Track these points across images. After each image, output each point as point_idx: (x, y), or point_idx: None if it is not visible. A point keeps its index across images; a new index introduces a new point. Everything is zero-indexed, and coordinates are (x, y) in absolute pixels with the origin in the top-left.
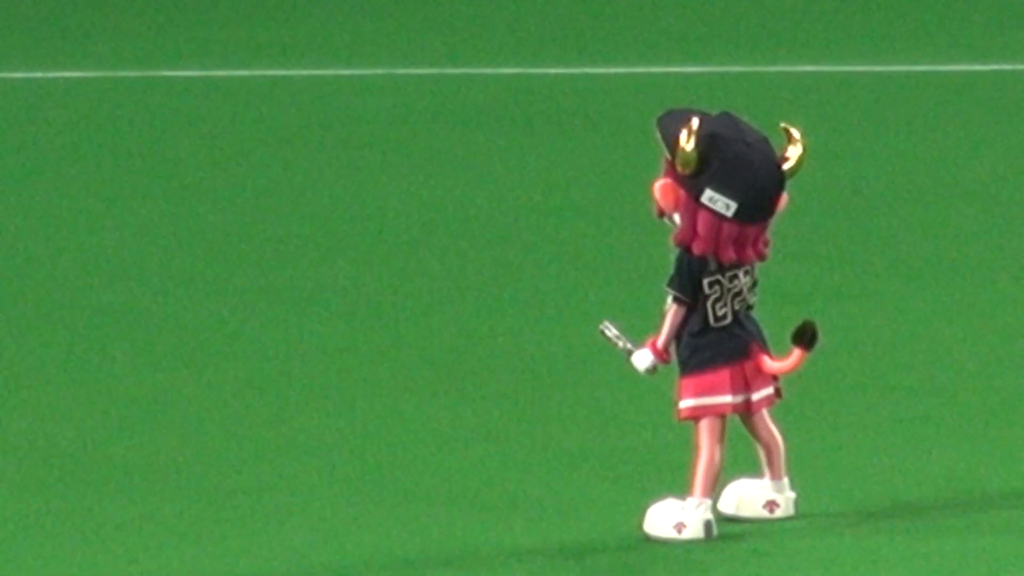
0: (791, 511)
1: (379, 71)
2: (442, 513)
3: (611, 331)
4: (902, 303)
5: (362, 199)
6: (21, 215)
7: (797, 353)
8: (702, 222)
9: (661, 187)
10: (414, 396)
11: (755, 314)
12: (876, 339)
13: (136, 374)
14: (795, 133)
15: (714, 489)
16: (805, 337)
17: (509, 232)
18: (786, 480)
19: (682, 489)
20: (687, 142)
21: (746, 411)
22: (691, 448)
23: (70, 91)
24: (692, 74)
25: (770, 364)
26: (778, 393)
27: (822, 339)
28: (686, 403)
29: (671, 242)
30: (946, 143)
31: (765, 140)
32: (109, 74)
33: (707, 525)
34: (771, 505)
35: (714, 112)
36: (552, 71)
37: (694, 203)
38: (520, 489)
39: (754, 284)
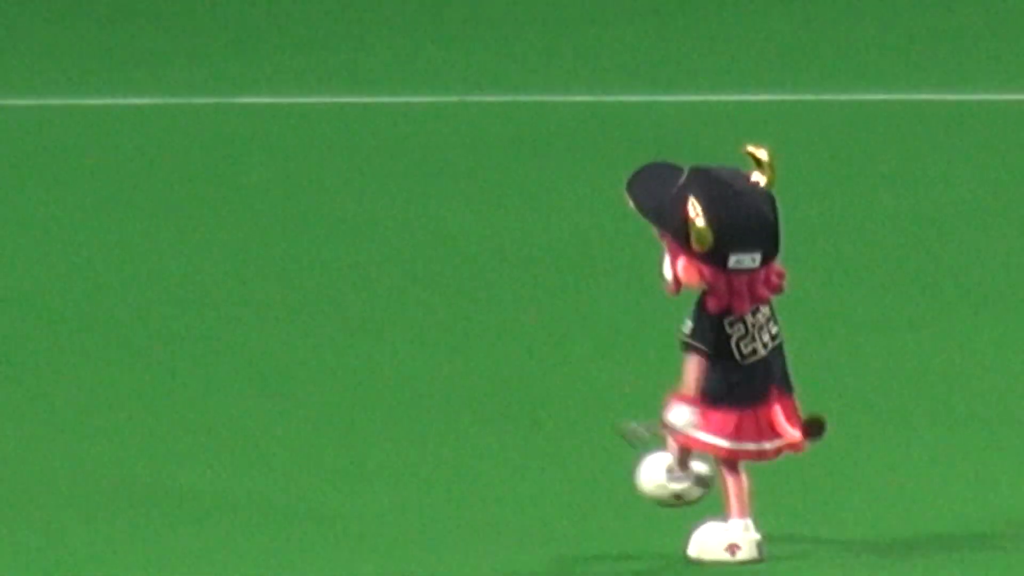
0: (754, 554)
1: (452, 98)
2: (513, 542)
3: (632, 425)
4: (975, 332)
5: (435, 226)
6: (94, 241)
7: (799, 437)
8: (723, 281)
9: (685, 268)
10: (486, 424)
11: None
12: (949, 368)
13: (207, 401)
14: (763, 156)
15: (750, 506)
16: (812, 428)
17: (581, 260)
18: (748, 520)
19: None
20: (697, 218)
21: (756, 460)
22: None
23: (143, 117)
24: (765, 102)
25: (780, 422)
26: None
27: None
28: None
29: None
30: (1021, 172)
31: (737, 173)
32: (182, 100)
33: (759, 545)
34: (733, 548)
35: (683, 166)
36: (625, 99)
37: (723, 272)
38: (592, 518)
39: (772, 315)
